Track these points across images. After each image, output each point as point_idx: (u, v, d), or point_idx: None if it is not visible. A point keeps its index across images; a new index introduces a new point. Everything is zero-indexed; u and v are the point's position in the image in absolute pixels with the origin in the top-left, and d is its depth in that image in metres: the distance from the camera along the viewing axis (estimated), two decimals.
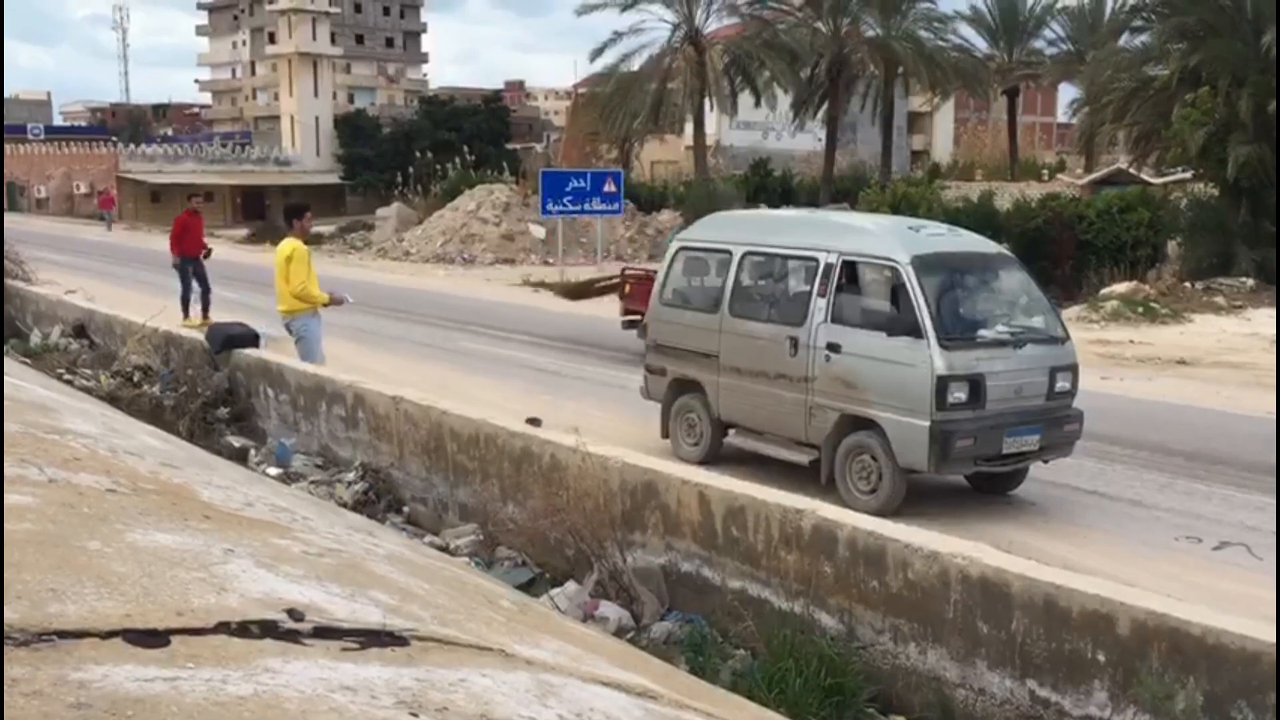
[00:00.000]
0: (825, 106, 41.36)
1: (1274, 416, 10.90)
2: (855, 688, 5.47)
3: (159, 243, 44.11)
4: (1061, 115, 66.47)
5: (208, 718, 1.50)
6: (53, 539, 2.26)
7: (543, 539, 7.30)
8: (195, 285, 17.80)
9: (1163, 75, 24.92)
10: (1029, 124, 70.95)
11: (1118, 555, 7.71)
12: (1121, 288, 20.91)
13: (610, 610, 6.55)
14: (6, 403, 4.28)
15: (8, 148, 76.18)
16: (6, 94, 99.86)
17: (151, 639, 1.77)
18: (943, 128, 70.00)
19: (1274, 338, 15.73)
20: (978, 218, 22.43)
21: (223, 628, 1.90)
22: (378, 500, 9.04)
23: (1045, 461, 9.13)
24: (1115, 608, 4.81)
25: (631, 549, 6.96)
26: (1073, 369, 9.00)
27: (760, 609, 6.22)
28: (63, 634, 1.70)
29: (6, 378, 5.57)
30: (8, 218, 53.73)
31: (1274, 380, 12.57)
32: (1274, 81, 21.08)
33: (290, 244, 10.99)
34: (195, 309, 17.58)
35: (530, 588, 6.73)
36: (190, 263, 17.78)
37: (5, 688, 1.48)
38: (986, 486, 9.30)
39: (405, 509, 9.03)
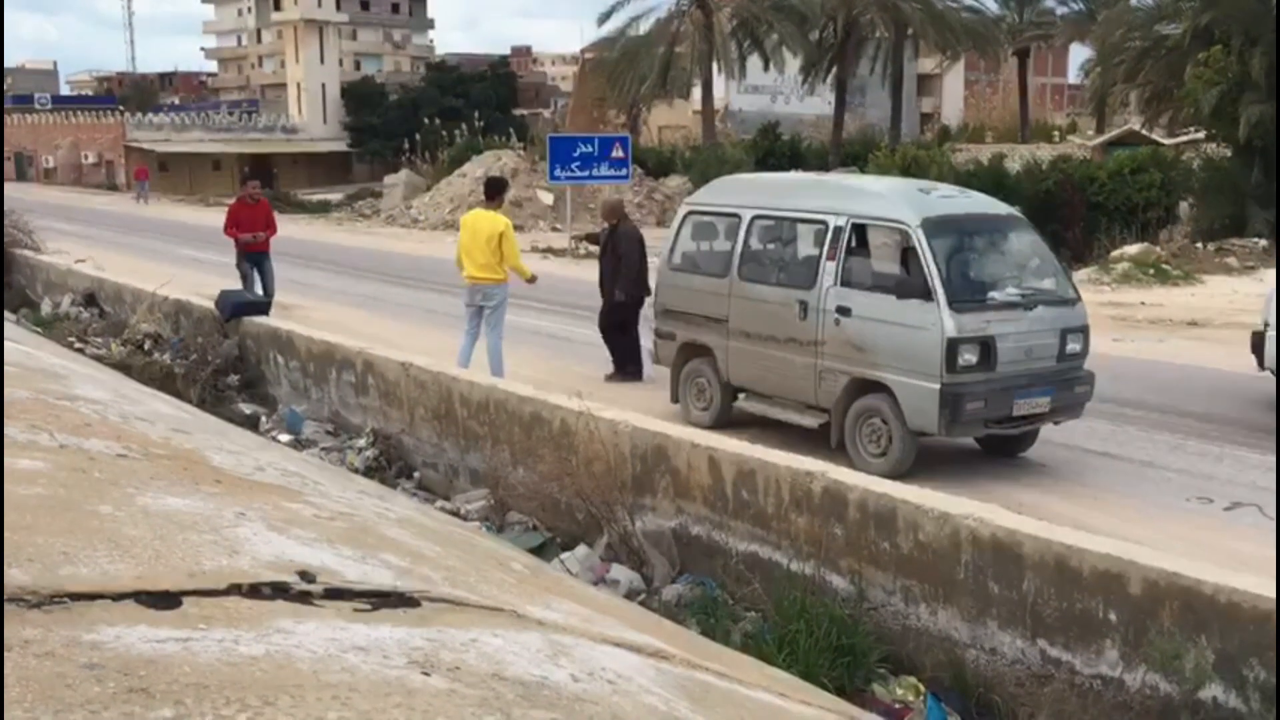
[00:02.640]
0: (834, 70, 41.08)
1: None
2: (866, 648, 5.49)
3: (169, 212, 44.22)
4: (1073, 76, 65.84)
5: (220, 678, 1.50)
6: (64, 503, 2.27)
7: (553, 503, 7.32)
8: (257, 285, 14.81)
9: (1175, 34, 24.72)
10: (1040, 85, 70.35)
11: (1129, 516, 7.70)
12: (1133, 249, 20.78)
13: (621, 573, 6.58)
14: (18, 370, 4.29)
15: (15, 118, 76.20)
16: (12, 64, 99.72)
17: (164, 601, 1.77)
18: (953, 90, 69.48)
19: None
20: (988, 180, 22.27)
21: (235, 589, 1.90)
22: (389, 466, 9.07)
23: (1056, 423, 9.11)
24: (1127, 567, 4.81)
25: (642, 512, 6.98)
26: (1084, 330, 8.96)
27: (771, 571, 6.24)
28: (75, 596, 1.71)
29: (18, 346, 5.58)
30: (16, 188, 53.82)
31: None
32: None
33: (500, 218, 11.19)
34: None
35: (541, 551, 6.76)
36: (252, 258, 14.92)
37: (19, 649, 1.48)
38: (997, 449, 9.29)
39: (416, 474, 9.06)
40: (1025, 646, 5.18)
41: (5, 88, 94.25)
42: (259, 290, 14.51)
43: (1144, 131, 31.77)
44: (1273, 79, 21.39)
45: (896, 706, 5.27)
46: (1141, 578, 4.76)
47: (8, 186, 56.10)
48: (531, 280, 11.60)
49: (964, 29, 40.59)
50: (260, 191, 16.16)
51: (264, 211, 15.28)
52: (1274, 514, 7.43)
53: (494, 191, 11.71)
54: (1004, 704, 5.15)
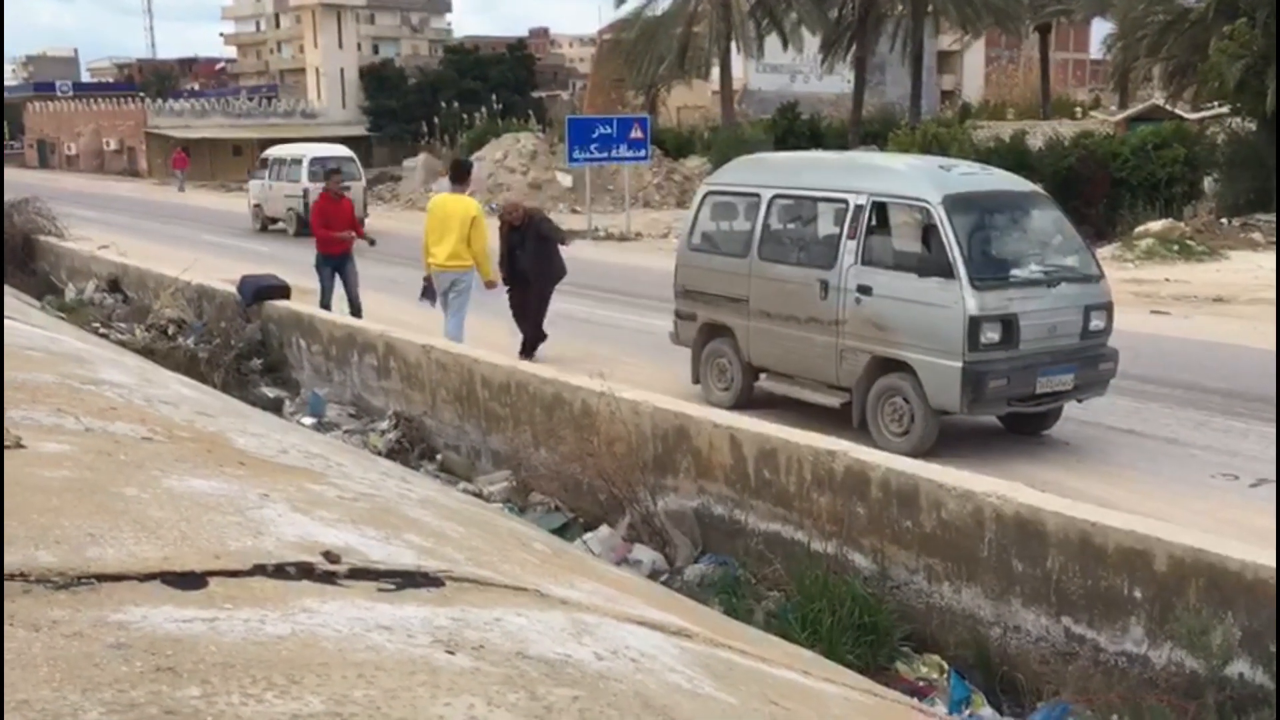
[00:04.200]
0: (853, 48, 40.76)
1: None
2: (889, 627, 5.49)
3: (191, 198, 44.37)
4: (1095, 51, 65.22)
5: (246, 657, 1.51)
6: (90, 486, 2.28)
7: (575, 484, 7.34)
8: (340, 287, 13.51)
9: (1198, 7, 24.47)
10: (1061, 61, 69.82)
11: (1153, 493, 7.67)
12: (1156, 226, 20.60)
13: (644, 553, 6.59)
14: (43, 355, 4.32)
15: (37, 105, 76.62)
16: (33, 51, 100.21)
17: (189, 581, 1.78)
18: (973, 67, 68.99)
19: None
20: (1010, 158, 22.11)
21: (259, 570, 1.91)
22: (411, 448, 9.10)
23: (1079, 401, 9.07)
24: (1152, 544, 4.79)
25: (664, 493, 6.98)
26: (1107, 307, 8.91)
27: (793, 550, 6.24)
28: (102, 577, 1.72)
29: (42, 331, 5.62)
30: (39, 175, 54.19)
31: None
32: None
33: (471, 202, 11.05)
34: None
35: (564, 532, 6.78)
36: (333, 261, 13.46)
37: (47, 629, 1.50)
38: (1020, 427, 9.25)
39: (438, 456, 9.10)
40: (1049, 624, 5.17)
41: (27, 75, 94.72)
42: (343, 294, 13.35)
43: (1167, 106, 31.45)
44: None
45: (920, 684, 5.27)
46: (1166, 554, 4.73)
47: (32, 174, 56.53)
48: (491, 285, 11.29)
49: (984, 4, 40.13)
50: (343, 186, 14.61)
51: (349, 207, 13.98)
52: None
53: (461, 174, 11.42)
54: (1028, 681, 5.15)
